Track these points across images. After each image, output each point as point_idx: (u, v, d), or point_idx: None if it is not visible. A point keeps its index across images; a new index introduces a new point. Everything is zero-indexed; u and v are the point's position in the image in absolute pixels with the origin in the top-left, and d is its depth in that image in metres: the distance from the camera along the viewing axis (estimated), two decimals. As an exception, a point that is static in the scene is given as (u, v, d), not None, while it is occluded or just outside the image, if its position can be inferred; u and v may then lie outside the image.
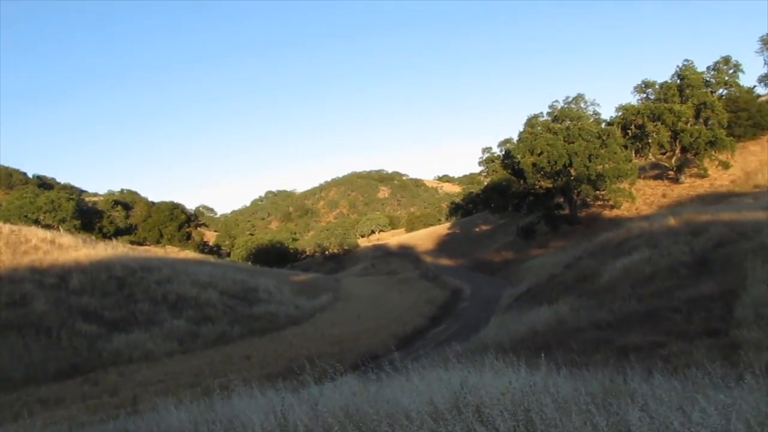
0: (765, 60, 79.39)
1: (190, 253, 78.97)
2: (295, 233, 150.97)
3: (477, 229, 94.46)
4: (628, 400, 6.71)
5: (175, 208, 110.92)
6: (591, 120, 72.96)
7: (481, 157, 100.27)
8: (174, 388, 22.07)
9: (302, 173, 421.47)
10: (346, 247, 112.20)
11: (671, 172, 67.01)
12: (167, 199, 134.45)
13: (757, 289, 15.65)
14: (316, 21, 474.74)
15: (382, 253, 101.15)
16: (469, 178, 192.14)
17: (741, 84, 72.52)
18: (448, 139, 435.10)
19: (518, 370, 8.77)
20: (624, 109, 68.10)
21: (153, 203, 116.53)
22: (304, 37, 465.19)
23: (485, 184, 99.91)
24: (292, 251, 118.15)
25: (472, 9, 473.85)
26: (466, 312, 41.51)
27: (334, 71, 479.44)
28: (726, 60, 71.85)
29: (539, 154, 63.41)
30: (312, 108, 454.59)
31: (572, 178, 62.48)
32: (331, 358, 23.96)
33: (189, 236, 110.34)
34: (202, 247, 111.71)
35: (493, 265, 64.99)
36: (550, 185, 65.09)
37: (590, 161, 61.08)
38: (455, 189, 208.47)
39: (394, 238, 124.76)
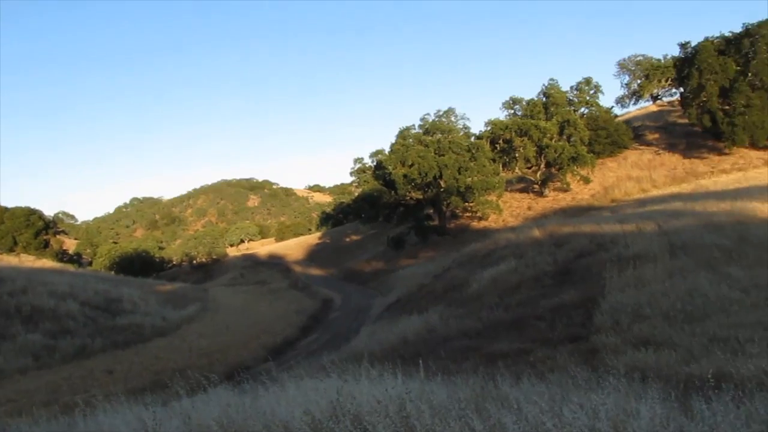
0: (622, 83, 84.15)
1: (47, 262, 74.87)
2: (161, 242, 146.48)
3: (348, 239, 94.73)
4: (501, 405, 6.87)
5: (31, 214, 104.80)
6: (461, 133, 74.77)
7: (353, 168, 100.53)
8: (27, 407, 20.73)
9: (170, 180, 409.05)
10: (214, 257, 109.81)
11: (536, 186, 69.60)
12: (23, 204, 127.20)
13: (614, 296, 16.43)
14: (185, 25, 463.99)
15: (252, 262, 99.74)
16: (341, 188, 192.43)
17: (601, 104, 76.58)
18: (320, 149, 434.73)
19: (395, 378, 8.79)
20: (493, 124, 70.20)
21: (6, 209, 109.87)
22: (171, 42, 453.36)
23: (356, 194, 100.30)
24: (158, 260, 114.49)
25: (345, 19, 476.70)
26: (337, 322, 41.51)
27: (204, 77, 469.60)
28: (587, 81, 75.67)
29: (410, 166, 64.35)
30: (180, 113, 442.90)
31: (442, 189, 63.78)
32: (200, 370, 23.32)
33: (47, 244, 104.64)
34: (62, 255, 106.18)
35: (364, 275, 65.26)
36: (421, 196, 66.17)
37: (460, 174, 62.55)
38: (326, 199, 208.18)
39: (263, 247, 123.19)
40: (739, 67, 62.36)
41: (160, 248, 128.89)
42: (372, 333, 25.88)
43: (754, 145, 62.86)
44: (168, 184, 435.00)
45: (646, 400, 6.64)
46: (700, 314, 13.65)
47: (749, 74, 61.97)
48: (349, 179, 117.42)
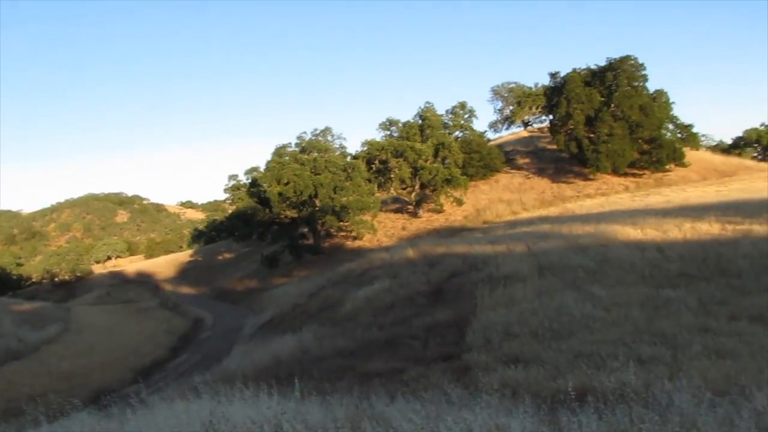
0: (495, 108, 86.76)
1: None
2: (19, 257, 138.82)
3: (220, 257, 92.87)
4: (377, 423, 6.74)
5: None
6: (338, 153, 75.00)
7: (227, 185, 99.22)
8: None
9: (31, 193, 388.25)
10: (78, 274, 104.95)
11: (411, 207, 70.45)
12: None
13: (485, 315, 16.66)
14: (44, 28, 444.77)
15: (119, 280, 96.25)
16: (214, 205, 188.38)
17: (474, 128, 78.67)
18: (193, 164, 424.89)
19: (270, 398, 8.52)
20: (369, 144, 70.68)
21: None
22: (30, 48, 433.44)
23: (230, 211, 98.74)
24: (15, 277, 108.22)
25: (221, 37, 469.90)
26: (209, 342, 40.45)
27: (78, 85, 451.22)
28: (462, 105, 77.73)
29: (286, 184, 63.84)
30: (44, 123, 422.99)
31: (317, 208, 63.57)
32: (61, 394, 22.03)
33: None
34: None
35: (237, 293, 64.09)
36: (296, 215, 65.70)
37: (335, 193, 62.57)
38: (199, 216, 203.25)
39: (132, 264, 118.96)
40: (603, 98, 65.84)
41: (18, 265, 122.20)
42: (245, 353, 25.30)
43: (615, 172, 66.18)
44: (29, 197, 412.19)
45: (516, 415, 6.78)
46: (567, 332, 14.03)
47: (612, 105, 65.60)
48: (222, 196, 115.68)
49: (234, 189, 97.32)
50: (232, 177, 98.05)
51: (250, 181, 77.88)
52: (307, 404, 8.39)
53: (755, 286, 16.62)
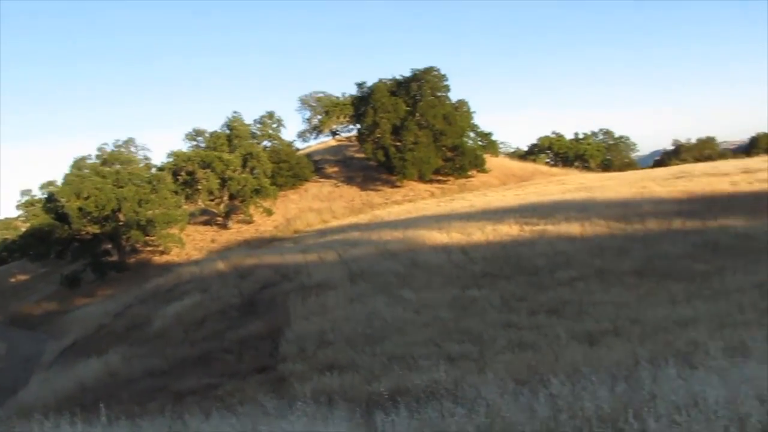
0: (303, 118, 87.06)
1: None
2: None
3: (13, 280, 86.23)
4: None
5: None
6: (142, 164, 72.24)
7: (20, 200, 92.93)
8: None
9: None
10: None
11: (220, 218, 69.13)
12: None
13: (299, 325, 16.67)
14: None
15: None
16: (5, 223, 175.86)
17: (283, 138, 78.63)
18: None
19: (73, 427, 7.99)
20: (175, 155, 68.64)
21: None
22: None
23: (24, 229, 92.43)
24: None
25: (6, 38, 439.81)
26: (2, 374, 37.46)
27: None
28: (270, 115, 77.56)
29: (86, 198, 60.50)
30: None
31: (121, 223, 60.82)
32: None
33: None
34: None
35: (34, 318, 59.80)
36: (98, 231, 62.41)
37: (140, 206, 60.13)
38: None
39: None
40: (408, 108, 67.96)
41: None
42: (45, 382, 23.77)
43: (421, 179, 68.49)
44: None
45: (332, 420, 6.82)
46: (380, 336, 14.31)
47: (417, 114, 67.91)
48: (15, 213, 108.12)
49: (28, 205, 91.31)
50: (26, 192, 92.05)
51: (46, 196, 73.29)
52: (115, 429, 7.97)
53: (551, 281, 17.78)
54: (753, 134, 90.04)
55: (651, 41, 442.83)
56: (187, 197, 67.35)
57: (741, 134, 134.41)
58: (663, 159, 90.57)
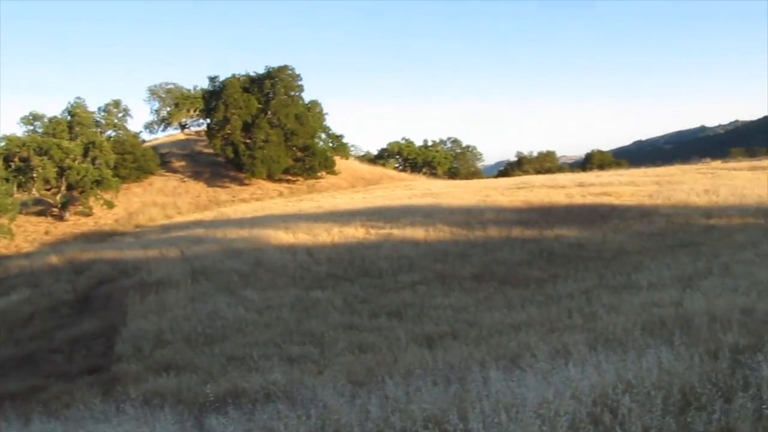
0: (151, 109, 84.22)
1: None
2: None
3: None
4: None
5: None
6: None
7: None
8: None
9: None
10: None
11: (56, 209, 65.62)
12: None
13: (136, 323, 16.17)
14: None
15: None
16: None
17: (129, 128, 75.63)
18: None
19: None
20: (8, 140, 64.43)
21: None
22: None
23: None
24: None
25: None
26: None
27: None
28: (116, 103, 74.22)
29: None
30: None
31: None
32: None
33: None
34: None
35: None
36: None
37: (-35, 194, 56.22)
38: None
39: None
40: (260, 105, 67.33)
41: None
42: None
43: (270, 177, 68.02)
44: None
45: (161, 423, 6.67)
46: (220, 336, 14.14)
47: (269, 112, 67.37)
48: None
49: None
50: None
51: None
52: None
53: (393, 284, 18.16)
54: (588, 150, 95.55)
55: (500, 58, 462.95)
56: (20, 185, 63.37)
57: (578, 150, 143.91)
58: (507, 169, 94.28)
